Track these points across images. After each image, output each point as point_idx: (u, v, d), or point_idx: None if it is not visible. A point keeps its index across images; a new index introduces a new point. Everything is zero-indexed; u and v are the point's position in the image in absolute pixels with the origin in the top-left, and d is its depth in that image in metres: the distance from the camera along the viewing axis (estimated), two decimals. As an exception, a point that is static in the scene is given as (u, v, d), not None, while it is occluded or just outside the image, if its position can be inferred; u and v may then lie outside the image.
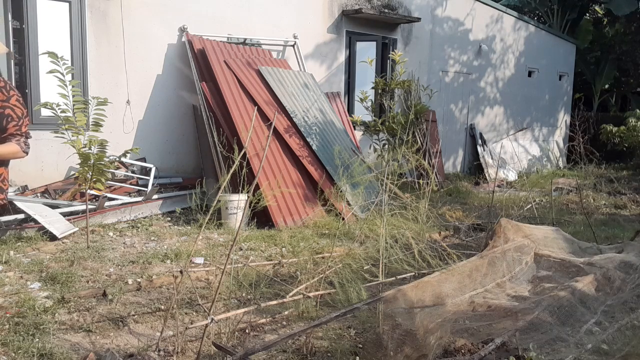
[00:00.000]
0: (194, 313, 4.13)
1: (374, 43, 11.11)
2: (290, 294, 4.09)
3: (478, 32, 13.57)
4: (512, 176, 13.18)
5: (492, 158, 13.49)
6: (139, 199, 7.20)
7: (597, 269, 4.53)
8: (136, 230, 6.55)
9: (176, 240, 6.15)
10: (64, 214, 6.36)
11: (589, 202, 9.55)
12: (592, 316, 3.78)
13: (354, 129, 9.82)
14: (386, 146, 9.43)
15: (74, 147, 5.52)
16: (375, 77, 10.37)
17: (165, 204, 7.42)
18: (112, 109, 7.31)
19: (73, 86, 5.56)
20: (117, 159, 6.24)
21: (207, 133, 7.62)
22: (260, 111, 7.72)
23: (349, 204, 7.36)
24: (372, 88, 10.02)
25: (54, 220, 6.02)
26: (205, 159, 8.30)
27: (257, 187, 6.70)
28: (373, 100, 9.84)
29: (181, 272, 3.64)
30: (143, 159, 7.94)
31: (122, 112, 7.83)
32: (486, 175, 12.76)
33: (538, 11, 20.77)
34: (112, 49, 7.68)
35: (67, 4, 7.23)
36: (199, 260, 5.38)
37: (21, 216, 6.06)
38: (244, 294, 4.45)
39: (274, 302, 3.94)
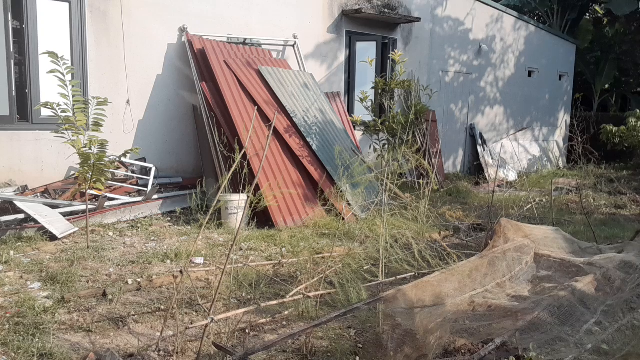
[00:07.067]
0: (194, 313, 4.13)
1: (374, 43, 11.11)
2: (290, 294, 4.09)
3: (478, 32, 13.57)
4: (512, 176, 13.17)
5: (492, 158, 13.48)
6: (139, 199, 7.20)
7: (597, 269, 4.53)
8: (136, 230, 6.55)
9: (176, 240, 6.15)
10: (64, 214, 6.36)
11: (589, 202, 9.55)
12: (592, 316, 3.78)
13: (354, 129, 9.82)
14: (386, 146, 9.43)
15: (74, 147, 5.52)
16: (375, 77, 10.37)
17: (165, 204, 7.43)
18: (112, 109, 7.31)
19: (73, 86, 5.56)
20: (117, 159, 6.24)
21: (207, 133, 7.62)
22: (260, 111, 7.72)
23: (349, 204, 7.36)
24: (372, 88, 10.02)
25: (54, 220, 6.02)
26: (205, 159, 8.30)
27: (258, 187, 6.71)
28: (373, 100, 9.84)
29: (181, 272, 3.65)
30: (143, 159, 7.94)
31: (122, 112, 7.83)
32: (486, 175, 12.76)
33: (538, 11, 20.77)
34: (112, 49, 7.68)
35: (67, 4, 7.23)
36: (199, 260, 5.38)
37: (21, 216, 6.06)
38: (244, 294, 4.45)
39: (274, 302, 3.94)
